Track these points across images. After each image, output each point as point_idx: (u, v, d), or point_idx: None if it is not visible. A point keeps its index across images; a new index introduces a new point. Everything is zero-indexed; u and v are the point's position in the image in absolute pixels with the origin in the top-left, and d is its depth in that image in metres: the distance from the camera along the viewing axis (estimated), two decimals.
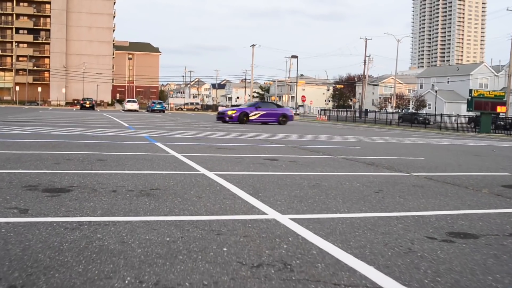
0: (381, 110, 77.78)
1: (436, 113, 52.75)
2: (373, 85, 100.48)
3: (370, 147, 15.51)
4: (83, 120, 27.04)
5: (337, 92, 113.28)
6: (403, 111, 68.78)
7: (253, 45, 78.76)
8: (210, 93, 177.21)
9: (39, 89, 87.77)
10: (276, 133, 21.41)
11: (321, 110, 63.96)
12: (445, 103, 73.85)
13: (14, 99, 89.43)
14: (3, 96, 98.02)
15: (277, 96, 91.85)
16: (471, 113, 66.95)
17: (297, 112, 67.62)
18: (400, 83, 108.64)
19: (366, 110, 71.15)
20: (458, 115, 43.55)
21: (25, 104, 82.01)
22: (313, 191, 6.48)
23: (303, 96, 57.72)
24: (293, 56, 59.61)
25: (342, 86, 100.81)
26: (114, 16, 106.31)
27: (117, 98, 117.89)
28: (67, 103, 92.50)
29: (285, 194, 6.14)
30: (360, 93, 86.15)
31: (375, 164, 10.27)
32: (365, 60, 74.70)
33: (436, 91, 63.72)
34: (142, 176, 7.12)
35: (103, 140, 13.44)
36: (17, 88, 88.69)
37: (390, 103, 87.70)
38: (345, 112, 58.20)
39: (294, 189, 6.58)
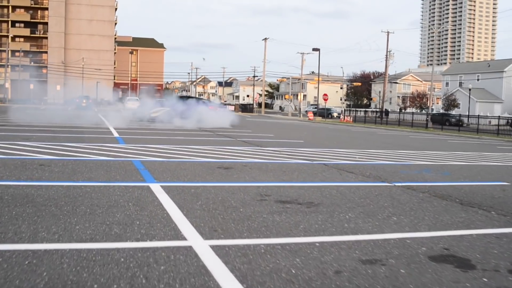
0: (401, 111, 71.58)
1: (475, 114, 46.17)
2: (392, 82, 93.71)
3: None
4: (63, 125, 20.62)
5: (352, 90, 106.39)
6: (427, 111, 62.26)
7: (265, 39, 72.02)
8: (216, 91, 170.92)
9: (31, 86, 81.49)
10: (329, 148, 14.98)
11: (345, 110, 57.27)
12: (477, 102, 66.86)
13: (6, 96, 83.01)
14: None
15: (291, 95, 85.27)
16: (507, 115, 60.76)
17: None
18: (419, 81, 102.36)
19: (386, 110, 64.61)
20: None
21: (18, 103, 75.86)
22: None
23: (324, 95, 51.07)
24: (314, 49, 52.63)
25: (359, 83, 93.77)
26: (116, 9, 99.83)
27: (120, 95, 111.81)
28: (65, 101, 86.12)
29: None
30: (380, 91, 79.59)
31: None
32: (387, 55, 68.03)
33: (470, 89, 56.98)
34: None
35: (49, 179, 7.02)
36: (7, 85, 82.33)
37: (412, 102, 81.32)
38: (374, 113, 51.73)
39: None
